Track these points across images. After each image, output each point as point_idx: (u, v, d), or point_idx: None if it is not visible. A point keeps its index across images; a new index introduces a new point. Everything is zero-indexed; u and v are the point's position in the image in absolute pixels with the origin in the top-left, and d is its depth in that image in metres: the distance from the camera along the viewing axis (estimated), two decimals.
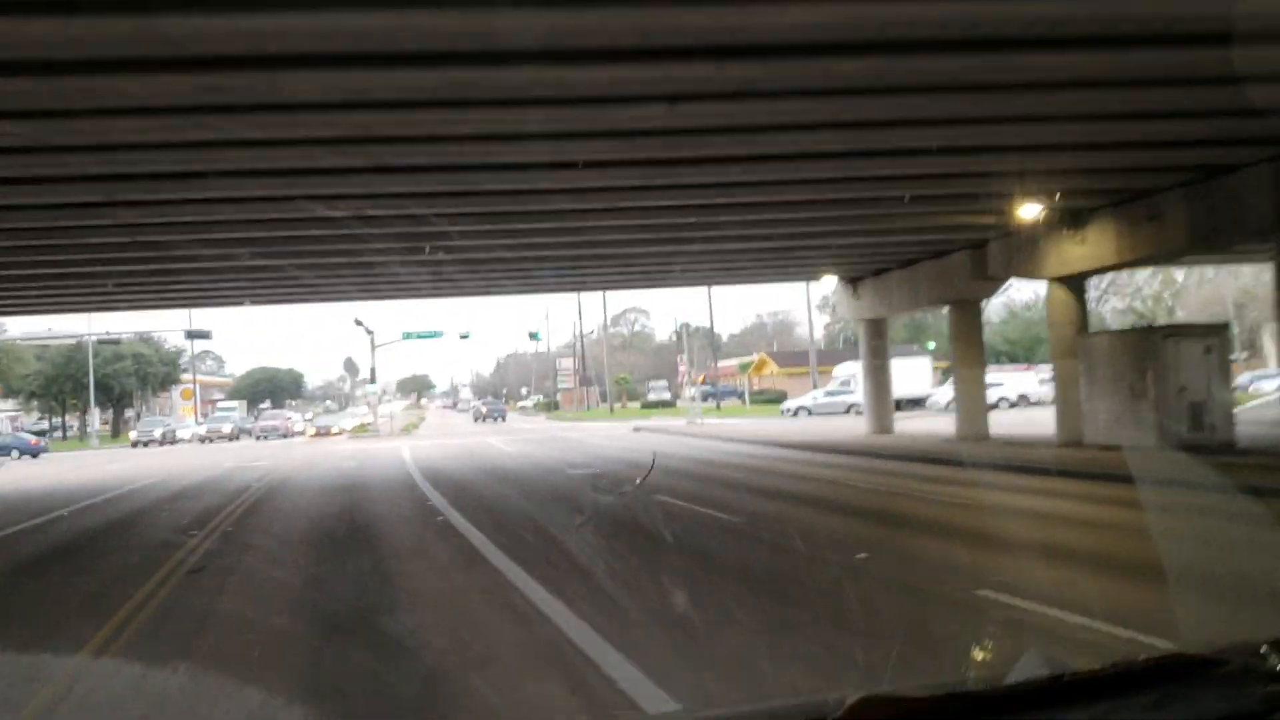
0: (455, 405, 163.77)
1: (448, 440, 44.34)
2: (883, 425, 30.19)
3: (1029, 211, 20.86)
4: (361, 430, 58.89)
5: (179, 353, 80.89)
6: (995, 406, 49.16)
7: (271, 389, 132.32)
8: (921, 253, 26.73)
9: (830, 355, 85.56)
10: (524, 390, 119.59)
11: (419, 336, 55.68)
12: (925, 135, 15.44)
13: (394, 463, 30.17)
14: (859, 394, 50.05)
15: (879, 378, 30.47)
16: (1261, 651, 1.24)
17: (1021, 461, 18.64)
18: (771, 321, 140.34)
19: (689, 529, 12.76)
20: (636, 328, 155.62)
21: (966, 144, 16.06)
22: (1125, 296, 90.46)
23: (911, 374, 50.22)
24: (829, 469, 21.67)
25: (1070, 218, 21.31)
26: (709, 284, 36.93)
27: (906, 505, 15.11)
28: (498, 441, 40.87)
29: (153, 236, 18.54)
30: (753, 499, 16.79)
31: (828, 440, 28.77)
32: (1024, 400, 51.06)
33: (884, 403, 30.72)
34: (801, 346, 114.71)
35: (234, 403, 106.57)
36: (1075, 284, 22.45)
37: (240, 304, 32.72)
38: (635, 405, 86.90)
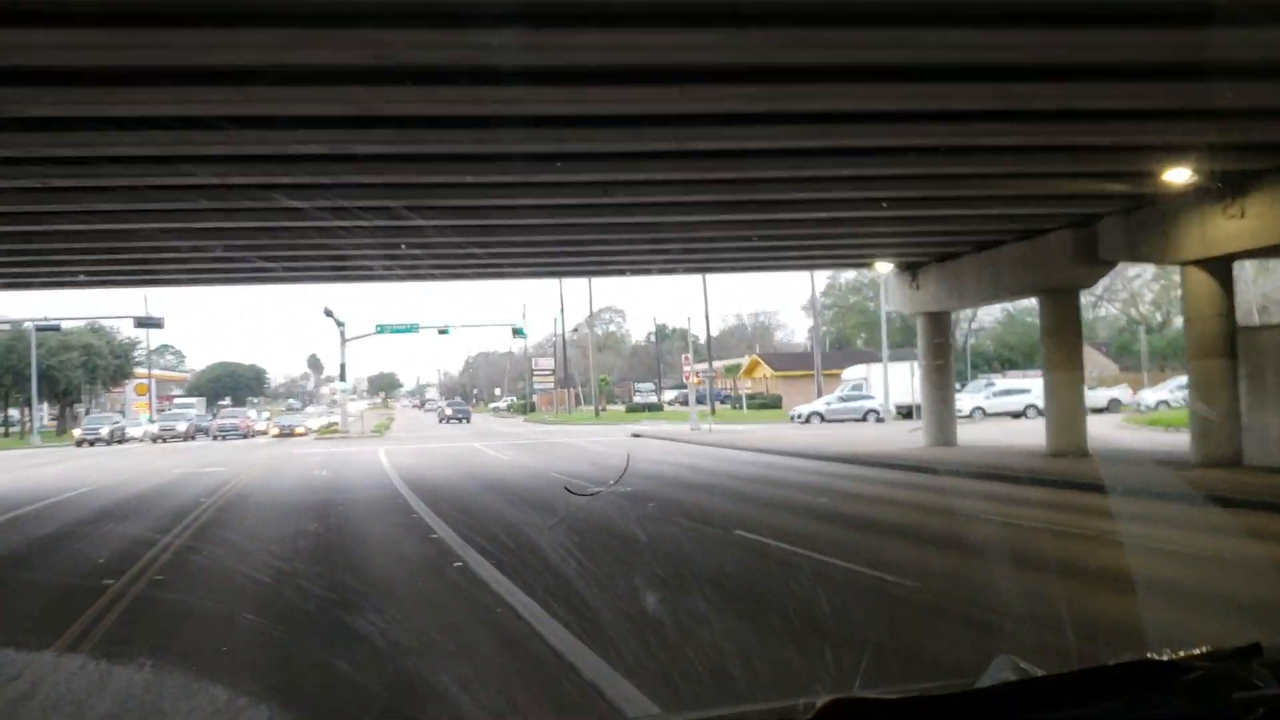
0: (423, 405, 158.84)
1: (427, 445, 39.68)
2: (945, 436, 25.94)
3: (1175, 177, 16.73)
4: (329, 431, 54.05)
5: (133, 344, 75.44)
6: (1022, 415, 45.33)
7: (232, 385, 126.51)
8: (1006, 233, 22.53)
9: (804, 359, 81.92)
10: (497, 391, 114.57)
11: (393, 330, 50.93)
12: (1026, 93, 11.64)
13: (373, 473, 25.57)
14: (878, 398, 46.10)
15: (940, 382, 26.22)
16: (1231, 658, 1.22)
17: (1207, 490, 14.37)
18: (752, 323, 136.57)
19: (853, 604, 8.36)
20: (611, 328, 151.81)
21: (1086, 102, 12.31)
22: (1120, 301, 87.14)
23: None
24: (927, 493, 17.36)
25: (1226, 184, 17.16)
26: (737, 269, 32.64)
27: (1115, 555, 10.77)
28: (484, 447, 36.27)
29: (104, 205, 15.99)
30: (877, 540, 12.43)
31: (883, 453, 24.53)
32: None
33: (947, 410, 26.49)
34: (785, 349, 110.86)
35: (192, 399, 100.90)
36: (1221, 268, 18.27)
37: (202, 282, 28.02)
38: (617, 408, 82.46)
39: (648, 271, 29.49)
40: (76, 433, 53.19)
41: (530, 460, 28.41)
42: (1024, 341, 76.24)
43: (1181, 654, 1.24)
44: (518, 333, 53.82)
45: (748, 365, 78.68)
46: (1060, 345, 22.03)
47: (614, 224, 20.56)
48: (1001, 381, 50.04)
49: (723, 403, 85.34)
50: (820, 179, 16.71)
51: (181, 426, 54.76)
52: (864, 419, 44.92)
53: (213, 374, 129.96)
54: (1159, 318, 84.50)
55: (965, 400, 46.00)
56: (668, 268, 28.49)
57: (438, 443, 41.11)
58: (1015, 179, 17.52)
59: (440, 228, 18.88)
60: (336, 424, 73.45)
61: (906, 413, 44.85)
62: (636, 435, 40.47)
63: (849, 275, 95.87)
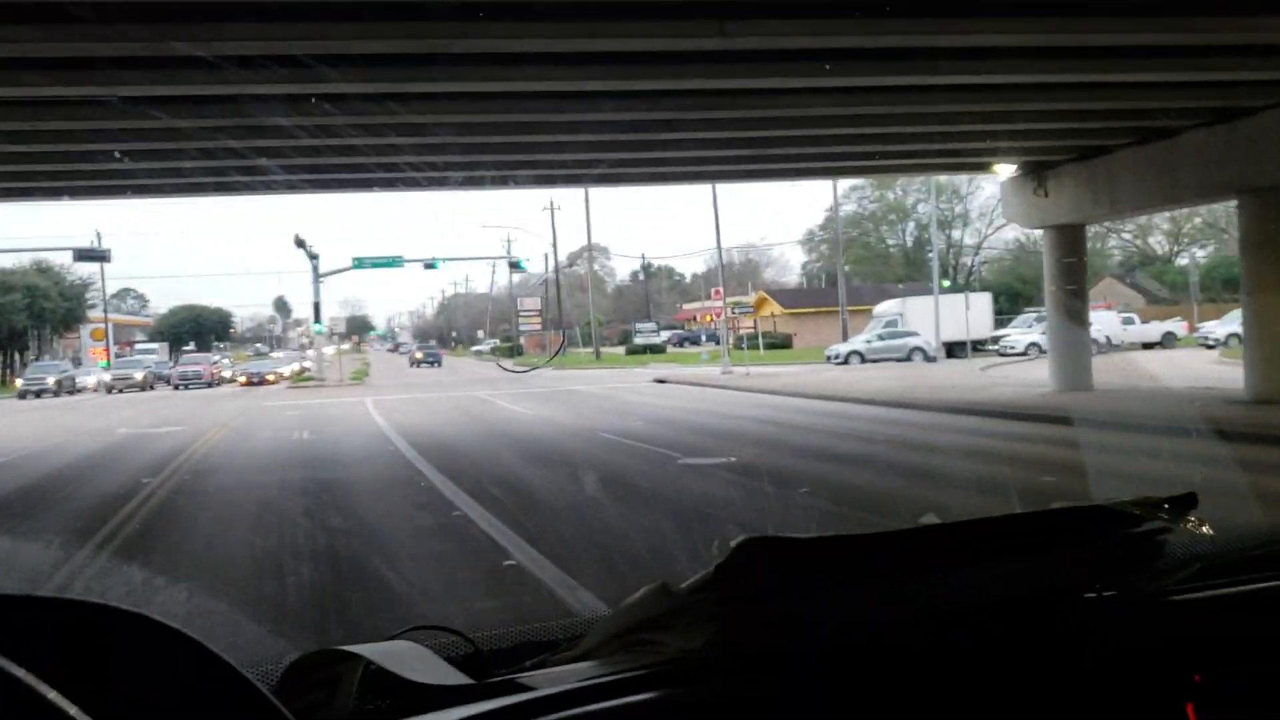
0: (397, 349, 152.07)
1: (422, 395, 34.14)
2: (1080, 379, 20.75)
3: None
4: (302, 379, 48.35)
5: (85, 285, 69.07)
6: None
7: (196, 330, 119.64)
8: (1189, 116, 17.23)
9: (815, 295, 76.52)
10: (480, 334, 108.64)
11: (373, 264, 45.16)
12: None
13: (369, 434, 20.12)
14: (924, 335, 40.92)
15: (1075, 311, 20.93)
16: (1167, 506, 1.15)
17: None
18: (741, 259, 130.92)
19: None
20: (595, 267, 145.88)
21: None
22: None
23: (964, 313, 40.75)
24: (1217, 466, 12.17)
25: None
26: (837, 172, 27.80)
27: None
28: (493, 398, 30.81)
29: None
30: None
31: (1004, 401, 19.49)
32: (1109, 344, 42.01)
33: (1083, 348, 21.29)
34: (778, 286, 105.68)
35: (154, 345, 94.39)
36: None
37: (150, 191, 22.27)
38: (613, 350, 77.11)
39: (730, 177, 24.29)
40: (19, 383, 47.22)
41: (561, 415, 23.02)
42: (1038, 275, 71.51)
43: (1116, 500, 1.13)
44: (516, 266, 48.17)
45: (754, 302, 73.35)
46: (1274, 260, 16.77)
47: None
48: None
49: (715, 343, 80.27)
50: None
51: (138, 375, 48.76)
52: (908, 358, 39.76)
53: (175, 318, 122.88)
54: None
55: (1017, 337, 41.00)
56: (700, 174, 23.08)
57: (433, 391, 35.61)
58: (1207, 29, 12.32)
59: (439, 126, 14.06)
60: (309, 370, 67.83)
61: (951, 351, 39.87)
62: (660, 381, 35.14)
63: (848, 208, 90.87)
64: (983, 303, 42.05)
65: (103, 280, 71.50)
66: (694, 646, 1.02)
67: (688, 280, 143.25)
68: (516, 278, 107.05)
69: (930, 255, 45.07)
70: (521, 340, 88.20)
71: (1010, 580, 1.11)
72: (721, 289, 37.12)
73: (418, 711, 1.03)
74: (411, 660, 1.12)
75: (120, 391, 48.00)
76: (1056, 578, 1.16)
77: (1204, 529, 1.22)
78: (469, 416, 24.07)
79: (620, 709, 0.99)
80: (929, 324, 41.56)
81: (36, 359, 65.98)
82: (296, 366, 61.87)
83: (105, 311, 73.43)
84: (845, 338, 49.23)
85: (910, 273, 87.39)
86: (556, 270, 72.35)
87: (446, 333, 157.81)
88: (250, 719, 0.88)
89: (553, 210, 66.33)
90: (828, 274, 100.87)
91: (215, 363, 52.54)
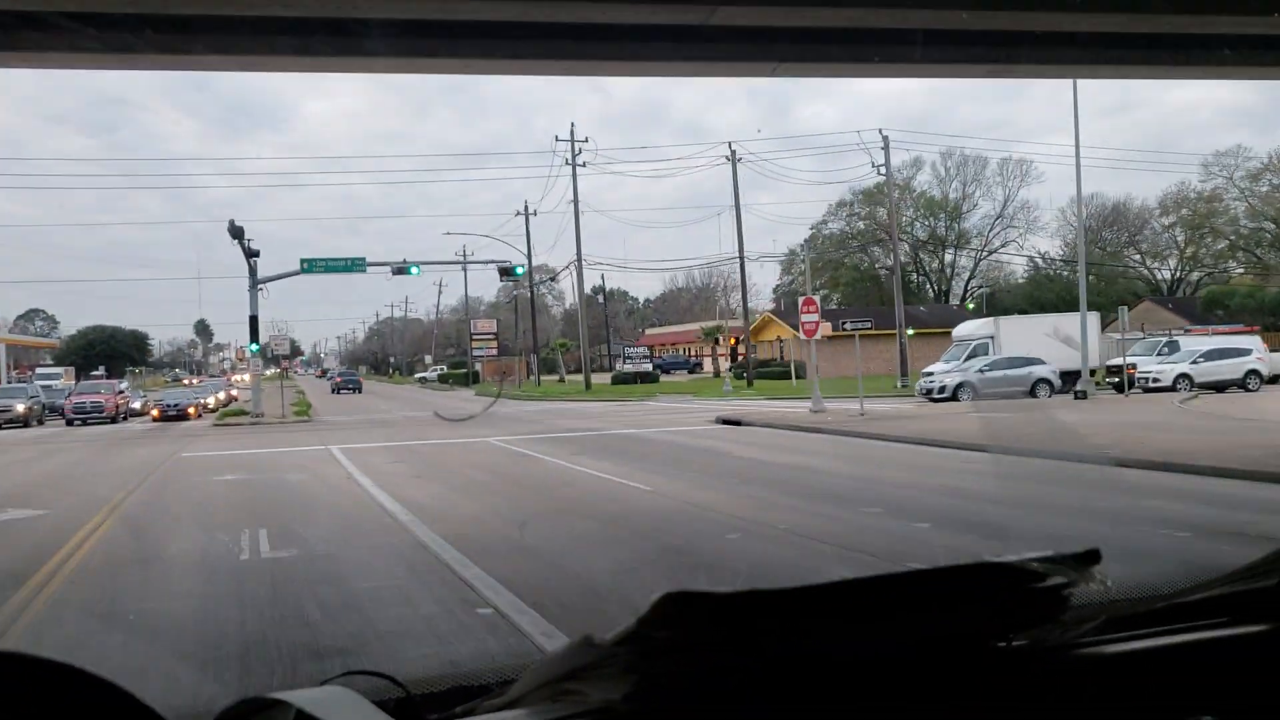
0: (324, 374, 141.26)
1: (406, 440, 24.30)
2: None
3: None
4: (231, 413, 37.84)
5: None
6: (1242, 385, 31.96)
7: (109, 353, 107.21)
8: None
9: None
10: (428, 359, 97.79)
11: (328, 268, 35.09)
12: None
13: (389, 541, 10.27)
14: (1051, 363, 32.04)
15: None
16: (1070, 563, 1.17)
17: None
18: (703, 280, 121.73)
19: None
20: (542, 289, 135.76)
21: None
22: None
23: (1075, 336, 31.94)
24: None
25: None
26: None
27: None
28: (516, 444, 21.14)
29: None
30: None
31: None
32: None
33: None
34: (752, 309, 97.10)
35: (59, 369, 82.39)
36: None
37: None
38: (580, 379, 67.63)
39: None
40: None
41: (695, 491, 13.47)
42: (1061, 296, 63.72)
43: (1025, 556, 1.16)
44: (510, 272, 38.15)
45: (757, 325, 64.26)
46: None
47: None
48: (1195, 339, 36.46)
49: (688, 371, 70.67)
50: None
51: (19, 406, 37.81)
52: (1032, 392, 30.90)
53: (85, 339, 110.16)
54: None
55: (1151, 365, 32.44)
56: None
57: (417, 435, 25.78)
58: None
59: None
60: (236, 401, 57.12)
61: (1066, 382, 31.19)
62: (730, 422, 25.74)
63: (835, 225, 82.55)
64: (1093, 325, 33.31)
65: None
66: (615, 698, 1.02)
67: (640, 304, 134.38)
68: (452, 300, 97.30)
69: (1076, 273, 36.21)
70: (479, 367, 78.13)
71: (923, 632, 1.12)
72: (814, 299, 27.65)
73: None
74: (340, 707, 1.11)
75: None
76: (968, 629, 1.16)
77: (1107, 583, 1.21)
78: (529, 487, 14.45)
79: None
80: (1025, 348, 32.95)
81: None
82: (222, 395, 51.23)
83: None
84: (905, 365, 40.48)
85: (908, 295, 79.33)
86: (532, 285, 62.40)
87: (382, 358, 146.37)
88: None
89: (527, 214, 56.68)
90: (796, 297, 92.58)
91: (120, 391, 41.56)
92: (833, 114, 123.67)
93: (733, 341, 46.67)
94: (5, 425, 37.41)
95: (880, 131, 41.65)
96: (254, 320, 34.30)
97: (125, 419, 40.26)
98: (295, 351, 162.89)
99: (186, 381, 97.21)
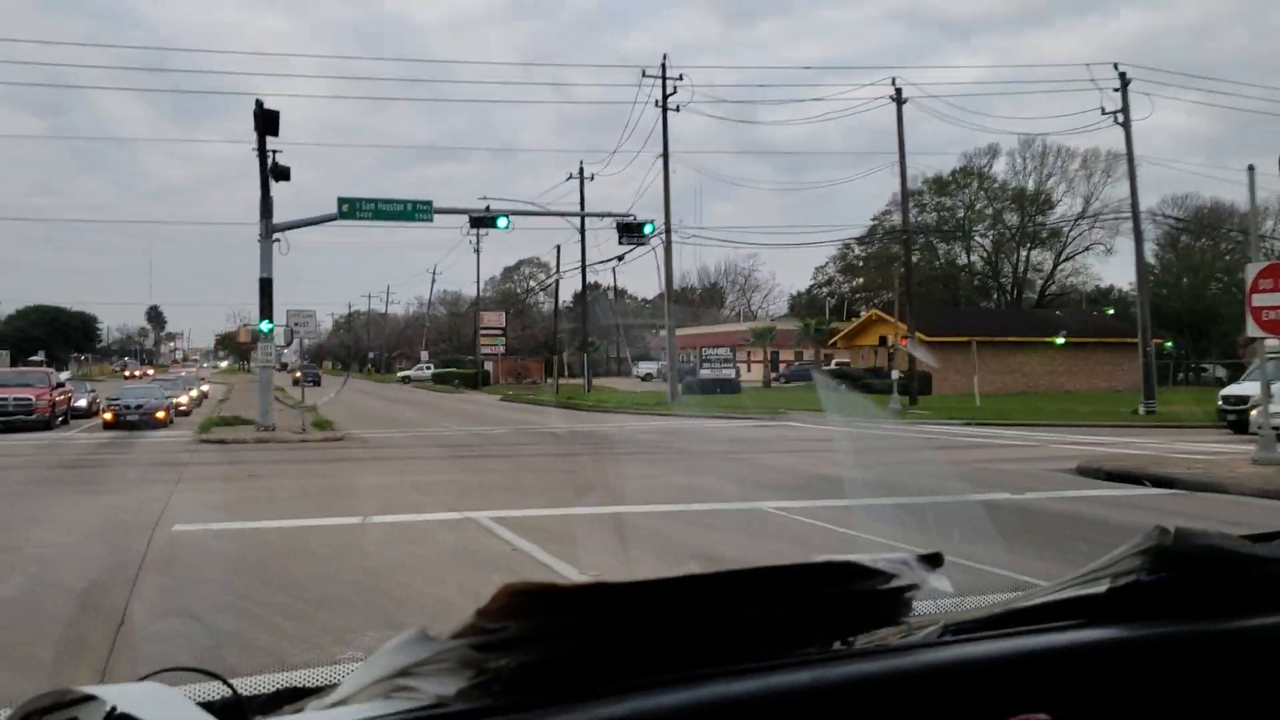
0: (284, 368, 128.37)
1: (599, 505, 12.92)
2: None
3: None
4: (219, 421, 25.82)
5: None
6: None
7: (50, 336, 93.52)
8: None
9: (957, 320, 56.79)
10: (423, 355, 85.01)
11: (379, 212, 23.42)
12: None
13: None
14: None
15: None
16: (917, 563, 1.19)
17: None
18: (705, 282, 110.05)
19: None
20: (532, 283, 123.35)
21: None
22: None
23: None
24: None
25: None
26: None
27: None
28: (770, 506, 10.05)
29: None
30: None
31: None
32: None
33: None
34: (770, 311, 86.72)
35: None
36: None
37: None
38: (604, 383, 56.19)
39: None
40: None
41: None
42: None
43: (874, 557, 1.16)
44: (636, 230, 26.38)
45: (858, 326, 52.86)
46: None
47: None
48: None
49: (784, 382, 58.71)
50: None
51: None
52: None
53: (25, 319, 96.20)
54: None
55: None
56: None
57: (601, 481, 14.58)
58: None
59: None
60: (207, 398, 45.02)
61: None
62: (1122, 478, 14.54)
63: (898, 218, 71.75)
64: None
65: None
66: (449, 694, 0.99)
67: (638, 301, 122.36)
68: (442, 291, 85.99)
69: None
70: (488, 366, 66.31)
71: (763, 629, 1.11)
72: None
73: None
74: (158, 704, 1.04)
75: None
76: (806, 628, 1.16)
77: (947, 585, 1.20)
78: None
79: None
80: None
81: None
82: (194, 393, 39.06)
83: None
84: (1151, 383, 29.58)
85: (976, 296, 68.91)
86: (583, 263, 50.19)
87: (355, 353, 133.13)
88: None
89: (581, 177, 44.59)
90: (839, 301, 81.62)
91: (59, 384, 29.17)
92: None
93: (900, 341, 35.30)
94: None
95: (1116, 67, 30.68)
96: (266, 285, 22.37)
97: (64, 422, 28.04)
98: (253, 339, 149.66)
99: (137, 374, 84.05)
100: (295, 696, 1.25)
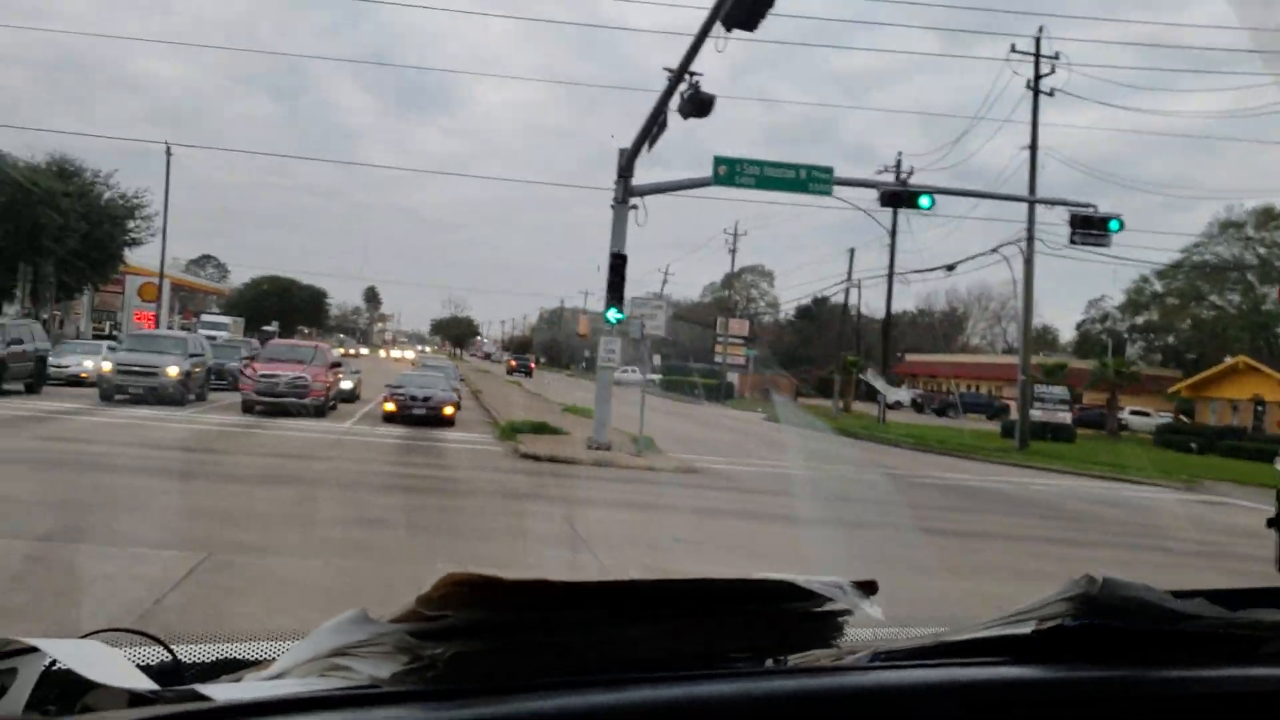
0: (487, 358, 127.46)
1: None
2: None
3: None
4: (526, 427, 20.85)
5: (136, 204, 42.62)
6: None
7: (282, 307, 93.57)
8: None
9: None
10: (655, 359, 79.33)
11: (763, 181, 17.90)
12: None
13: None
14: None
15: None
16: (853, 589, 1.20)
17: None
18: (962, 301, 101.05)
19: None
20: (753, 292, 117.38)
21: None
22: None
23: None
24: None
25: None
26: None
27: None
28: None
29: None
30: None
31: None
32: None
33: None
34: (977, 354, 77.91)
35: (226, 319, 68.39)
36: None
37: None
38: (854, 407, 49.67)
39: None
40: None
41: None
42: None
43: (810, 578, 1.18)
44: (1091, 228, 19.87)
45: (1214, 374, 44.52)
46: None
47: None
48: None
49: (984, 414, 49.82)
50: None
51: (172, 369, 21.67)
52: None
53: (258, 289, 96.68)
54: None
55: None
56: None
57: None
58: None
59: None
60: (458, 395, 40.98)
61: None
62: None
63: (1213, 251, 62.35)
64: None
65: (166, 203, 44.41)
66: (383, 676, 0.99)
67: (870, 319, 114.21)
68: (689, 289, 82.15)
69: None
70: (732, 379, 60.91)
71: (695, 640, 1.11)
72: None
73: (91, 712, 1.03)
74: (98, 661, 1.07)
75: (124, 395, 21.59)
76: (739, 643, 1.16)
77: (878, 613, 1.21)
78: None
79: None
80: None
81: (49, 316, 39.69)
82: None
83: (163, 252, 46.67)
84: None
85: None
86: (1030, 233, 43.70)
87: (558, 349, 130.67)
88: None
89: (1034, 157, 38.18)
90: (1148, 347, 71.87)
91: (335, 363, 24.92)
92: None
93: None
94: (145, 399, 21.46)
95: None
96: (619, 263, 17.06)
97: (334, 408, 23.78)
98: (470, 332, 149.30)
99: (352, 352, 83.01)
100: (233, 667, 1.24)
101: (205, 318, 67.26)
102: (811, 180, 17.78)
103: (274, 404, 21.25)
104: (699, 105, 14.85)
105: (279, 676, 1.07)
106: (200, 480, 11.88)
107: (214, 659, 1.32)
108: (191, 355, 23.29)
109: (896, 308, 65.21)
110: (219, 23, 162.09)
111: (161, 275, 49.95)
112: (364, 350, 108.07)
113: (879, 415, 40.01)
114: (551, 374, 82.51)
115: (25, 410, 18.87)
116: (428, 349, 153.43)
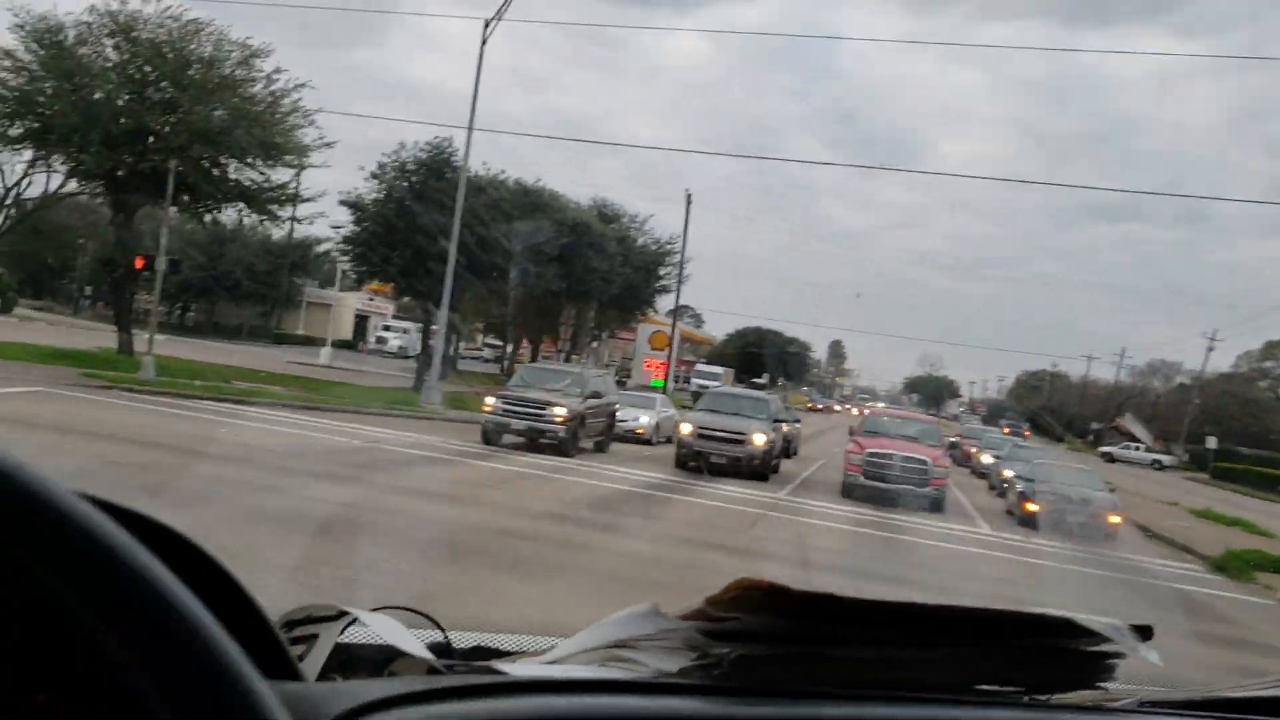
0: (956, 419, 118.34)
1: None
2: None
3: None
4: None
5: (665, 250, 41.44)
6: None
7: (760, 359, 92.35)
8: None
9: None
10: (1211, 440, 65.08)
11: None
12: None
13: None
14: None
15: None
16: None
17: None
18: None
19: None
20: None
21: None
22: None
23: None
24: None
25: None
26: None
27: None
28: None
29: None
30: None
31: None
32: None
33: None
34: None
35: (719, 368, 67.61)
36: None
37: None
38: None
39: None
40: (491, 402, 18.57)
41: None
42: None
43: (1084, 617, 1.14)
44: None
45: None
46: None
47: None
48: None
49: None
50: None
51: (759, 436, 17.88)
52: None
53: (742, 340, 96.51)
54: None
55: None
56: None
57: None
58: None
59: None
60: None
61: None
62: None
63: None
64: None
65: (684, 248, 42.77)
66: (671, 670, 1.01)
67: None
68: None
69: None
70: None
71: (968, 666, 1.11)
72: None
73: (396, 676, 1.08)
74: (391, 631, 1.14)
75: (700, 463, 18.28)
76: (1013, 674, 1.14)
77: (1154, 660, 1.16)
78: None
79: (593, 707, 0.95)
80: None
81: (567, 357, 39.57)
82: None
83: (677, 298, 45.27)
84: None
85: None
86: None
87: (1040, 416, 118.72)
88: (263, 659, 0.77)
89: None
90: None
91: (954, 444, 19.98)
92: None
93: None
94: (725, 469, 18.02)
95: None
96: None
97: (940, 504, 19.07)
98: (948, 392, 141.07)
99: (820, 406, 79.30)
100: (494, 655, 1.26)
101: (700, 368, 67.00)
102: None
103: (881, 492, 16.84)
104: None
105: (556, 663, 1.07)
106: None
107: (474, 646, 1.33)
108: (775, 420, 19.62)
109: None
110: (693, 86, 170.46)
111: (675, 324, 49.03)
112: (834, 405, 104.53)
113: None
114: (1043, 443, 73.19)
115: (623, 481, 15.95)
116: (890, 406, 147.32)
